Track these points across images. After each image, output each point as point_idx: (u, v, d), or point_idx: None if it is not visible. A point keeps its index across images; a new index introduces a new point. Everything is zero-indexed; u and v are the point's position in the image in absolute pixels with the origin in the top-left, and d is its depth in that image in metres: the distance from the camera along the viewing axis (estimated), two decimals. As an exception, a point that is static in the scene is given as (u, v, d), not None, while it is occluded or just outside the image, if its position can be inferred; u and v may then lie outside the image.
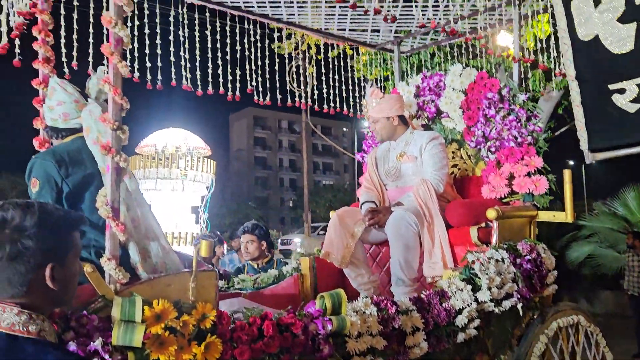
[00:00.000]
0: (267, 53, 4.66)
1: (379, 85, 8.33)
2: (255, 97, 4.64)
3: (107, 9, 2.31)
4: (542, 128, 3.80)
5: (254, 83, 4.62)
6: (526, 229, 3.80)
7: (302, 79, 5.65)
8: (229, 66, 4.37)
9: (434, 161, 3.80)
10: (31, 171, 2.48)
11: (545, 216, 3.78)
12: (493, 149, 4.00)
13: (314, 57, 6.44)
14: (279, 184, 56.36)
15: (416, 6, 4.29)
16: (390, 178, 4.02)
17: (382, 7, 4.24)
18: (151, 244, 2.43)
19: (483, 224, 3.57)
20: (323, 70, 5.21)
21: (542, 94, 9.37)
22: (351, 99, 5.41)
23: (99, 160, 2.49)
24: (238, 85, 4.53)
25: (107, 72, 2.66)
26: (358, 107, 5.58)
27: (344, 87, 5.34)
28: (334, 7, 4.46)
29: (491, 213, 3.44)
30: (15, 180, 32.80)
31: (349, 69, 5.60)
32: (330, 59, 5.29)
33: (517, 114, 3.90)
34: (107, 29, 2.37)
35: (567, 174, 3.67)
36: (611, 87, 2.24)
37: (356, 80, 5.56)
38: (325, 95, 5.20)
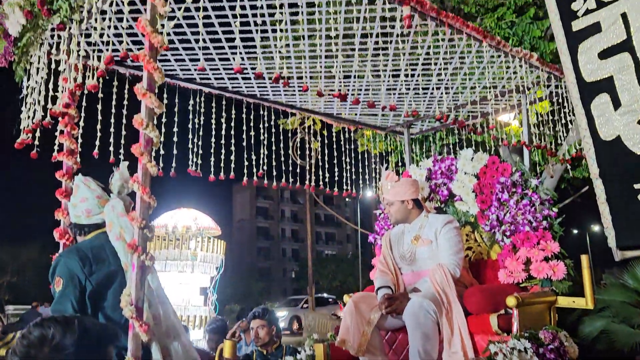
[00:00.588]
0: (273, 130, 4.77)
1: (387, 163, 8.48)
2: (258, 180, 4.69)
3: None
4: (556, 213, 3.82)
5: (264, 166, 4.70)
6: (546, 315, 3.73)
7: (306, 152, 5.74)
8: (232, 147, 4.43)
9: (449, 245, 3.77)
10: (55, 269, 2.48)
11: (564, 302, 3.72)
12: (508, 233, 3.99)
13: (319, 132, 6.58)
14: (281, 254, 55.87)
15: (424, 94, 4.45)
16: (405, 262, 3.98)
17: (390, 95, 4.42)
18: (173, 342, 2.40)
19: (502, 311, 3.50)
20: (326, 142, 5.33)
21: (548, 153, 9.51)
22: (354, 174, 5.49)
23: (121, 256, 2.49)
24: (246, 164, 4.60)
25: (120, 167, 2.73)
26: (361, 182, 5.67)
27: (347, 161, 5.42)
28: (347, 90, 4.61)
29: (511, 300, 3.39)
30: (13, 252, 32.87)
31: (353, 143, 5.68)
32: (334, 133, 5.42)
33: (530, 199, 3.93)
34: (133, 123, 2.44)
35: (584, 259, 3.65)
36: (636, 186, 2.27)
37: (359, 155, 5.66)
38: (328, 169, 5.27)
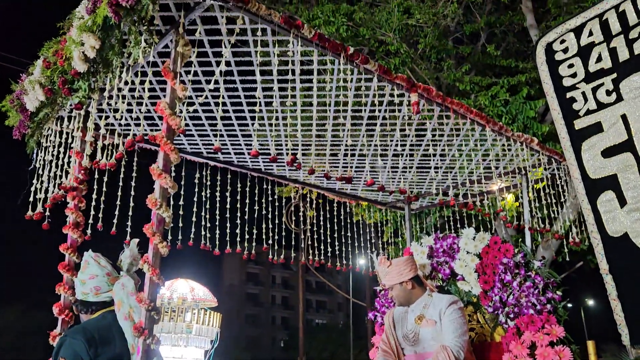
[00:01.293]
0: (269, 198, 4.79)
1: (381, 234, 8.48)
2: (255, 252, 4.69)
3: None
4: (560, 296, 3.81)
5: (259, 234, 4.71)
6: (556, 401, 3.63)
7: (301, 220, 5.75)
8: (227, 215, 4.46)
9: (454, 327, 3.71)
10: (60, 349, 2.41)
11: (572, 387, 3.63)
12: (512, 316, 3.95)
13: (314, 201, 6.62)
14: (271, 322, 54.44)
15: (427, 172, 4.55)
16: (408, 342, 3.91)
17: (393, 179, 4.52)
18: None
19: (510, 397, 3.42)
20: (321, 211, 5.36)
21: (541, 243, 9.57)
22: (348, 244, 5.49)
23: (128, 337, 2.44)
24: (245, 236, 4.59)
25: (130, 243, 2.73)
26: (356, 251, 5.66)
27: (342, 232, 5.43)
28: (351, 168, 4.69)
29: (520, 388, 3.31)
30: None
31: (348, 212, 5.70)
32: (329, 202, 5.45)
33: (534, 281, 3.92)
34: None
35: (590, 345, 3.61)
36: (648, 284, 2.30)
37: (354, 224, 5.68)
38: (321, 238, 5.27)
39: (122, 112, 2.88)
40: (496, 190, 4.82)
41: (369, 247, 6.06)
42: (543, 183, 5.59)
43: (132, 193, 3.79)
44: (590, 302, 33.28)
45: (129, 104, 2.95)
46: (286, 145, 3.73)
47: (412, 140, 3.92)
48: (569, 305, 3.69)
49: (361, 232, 5.94)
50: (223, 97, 3.42)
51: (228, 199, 4.52)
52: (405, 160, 4.37)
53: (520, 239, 4.41)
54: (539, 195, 5.06)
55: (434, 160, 4.39)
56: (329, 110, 3.46)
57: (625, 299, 2.38)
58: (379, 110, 3.48)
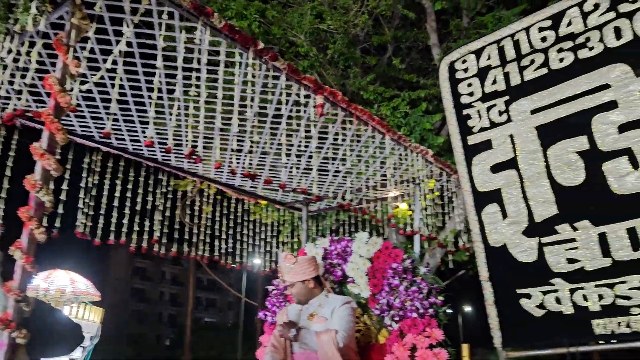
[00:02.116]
0: (163, 190, 4.61)
1: (278, 234, 8.47)
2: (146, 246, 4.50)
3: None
4: (442, 302, 4.01)
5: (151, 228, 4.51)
6: (425, 401, 3.81)
7: (196, 214, 5.61)
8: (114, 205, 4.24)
9: (341, 322, 3.81)
10: None
11: (444, 388, 3.83)
12: (397, 318, 4.09)
13: (213, 196, 6.46)
14: (157, 319, 52.44)
15: (326, 176, 4.60)
16: (296, 342, 3.93)
17: (293, 179, 4.52)
18: None
19: (387, 395, 3.53)
20: (218, 207, 5.26)
21: (439, 245, 10.09)
22: (244, 242, 5.44)
23: None
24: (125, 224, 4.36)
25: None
26: (252, 249, 5.63)
27: (239, 230, 5.36)
28: (251, 166, 4.63)
29: (397, 388, 3.43)
30: None
31: (245, 210, 5.64)
32: (227, 198, 5.36)
33: (419, 286, 4.09)
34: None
35: (465, 348, 3.83)
36: (519, 291, 2.48)
37: (250, 222, 5.63)
38: (217, 235, 5.17)
39: (3, 82, 2.61)
40: (390, 198, 5.00)
41: (265, 247, 6.02)
42: (435, 194, 5.89)
43: (8, 174, 3.47)
44: (468, 309, 35.71)
45: (12, 75, 2.68)
46: (186, 136, 3.59)
47: (314, 142, 3.94)
48: (449, 310, 3.90)
49: (257, 231, 5.89)
50: (121, 80, 3.22)
51: (118, 188, 4.27)
52: (308, 161, 4.39)
53: (410, 246, 4.61)
54: (430, 205, 5.33)
55: (334, 163, 4.46)
56: (234, 104, 3.38)
57: (500, 304, 2.56)
58: (285, 109, 3.46)
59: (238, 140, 3.91)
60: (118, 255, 50.94)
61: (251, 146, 3.94)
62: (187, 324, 18.61)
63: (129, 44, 2.81)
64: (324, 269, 4.63)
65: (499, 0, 10.85)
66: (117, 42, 2.82)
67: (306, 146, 4.10)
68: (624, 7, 2.37)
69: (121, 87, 3.31)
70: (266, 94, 3.29)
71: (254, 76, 3.03)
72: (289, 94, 3.28)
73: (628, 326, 2.24)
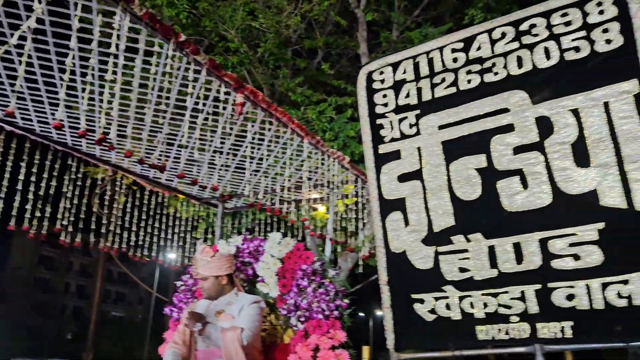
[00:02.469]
0: (73, 176, 4.42)
1: (194, 230, 8.33)
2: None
3: None
4: (347, 304, 4.11)
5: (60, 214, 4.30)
6: (325, 399, 3.89)
7: (107, 203, 5.42)
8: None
9: (249, 320, 3.83)
10: None
11: (343, 389, 3.92)
12: (303, 319, 4.15)
13: (129, 186, 6.26)
14: (61, 311, 49.69)
15: (244, 174, 4.59)
16: (202, 336, 3.89)
17: (209, 175, 4.48)
18: None
19: (288, 395, 3.58)
20: (131, 198, 5.11)
21: (348, 249, 10.29)
22: (159, 236, 5.31)
23: None
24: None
25: None
26: (166, 244, 5.50)
27: (153, 224, 5.22)
28: (167, 158, 4.54)
29: (298, 388, 3.49)
30: None
31: (162, 204, 5.51)
32: (143, 190, 5.23)
33: (327, 288, 4.18)
34: None
35: (365, 350, 3.96)
36: (414, 296, 2.61)
37: (167, 216, 5.51)
38: (130, 227, 5.02)
39: None
40: (305, 200, 5.08)
41: (179, 242, 5.91)
42: (354, 199, 6.04)
43: None
44: (379, 313, 36.73)
45: None
46: (99, 122, 3.46)
47: (232, 140, 3.93)
48: (361, 314, 3.97)
49: (172, 224, 5.77)
50: (30, 57, 3.05)
51: (22, 170, 4.03)
52: (226, 158, 4.36)
53: (321, 249, 4.70)
54: (347, 210, 5.46)
55: (252, 163, 4.46)
56: (151, 94, 3.31)
57: (395, 308, 2.68)
58: (204, 104, 3.43)
59: (153, 131, 3.82)
60: (21, 243, 47.78)
61: (166, 139, 3.86)
62: (92, 317, 17.78)
63: (40, 21, 2.67)
64: (235, 267, 4.62)
65: (428, 18, 11.32)
66: (27, 16, 2.67)
67: (222, 143, 4.07)
68: (527, 39, 2.57)
69: (30, 64, 3.14)
70: (186, 87, 3.24)
71: (172, 67, 2.98)
72: (208, 89, 3.25)
73: (506, 333, 2.42)
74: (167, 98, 3.29)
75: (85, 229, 4.97)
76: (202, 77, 3.14)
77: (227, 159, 4.34)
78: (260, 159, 4.41)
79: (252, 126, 3.77)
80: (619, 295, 2.21)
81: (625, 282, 2.22)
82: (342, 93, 10.99)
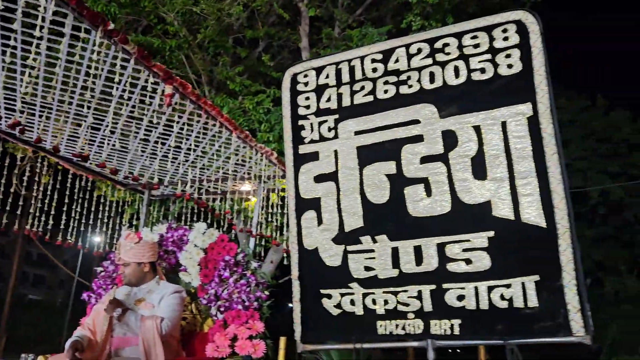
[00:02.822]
0: None
1: (121, 214, 8.16)
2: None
3: None
4: (267, 296, 4.23)
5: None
6: (241, 386, 4.01)
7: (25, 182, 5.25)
8: None
9: (169, 309, 3.85)
10: None
11: (257, 379, 4.05)
12: (222, 309, 4.23)
13: (54, 166, 6.07)
14: (-29, 293, 46.84)
15: (172, 164, 4.60)
16: (120, 323, 3.88)
17: (134, 163, 4.46)
18: None
19: (204, 383, 3.66)
20: (59, 177, 4.99)
21: (273, 243, 10.39)
22: (83, 218, 5.21)
23: None
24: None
25: None
26: (90, 227, 5.41)
27: (77, 207, 5.10)
28: (93, 142, 4.47)
29: (211, 376, 3.58)
30: None
31: (85, 186, 5.39)
32: (69, 171, 5.10)
33: (248, 279, 4.28)
34: None
35: (282, 341, 4.08)
36: (322, 291, 2.77)
37: (94, 199, 5.41)
38: (55, 208, 4.90)
39: None
40: (233, 192, 5.15)
41: (103, 227, 5.80)
42: (283, 193, 6.15)
43: None
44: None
45: None
46: (22, 102, 3.38)
47: (160, 130, 3.94)
48: (291, 304, 4.13)
49: (98, 209, 5.65)
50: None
51: None
52: (153, 148, 4.35)
53: (244, 241, 4.78)
54: (274, 204, 5.55)
55: (179, 153, 4.47)
56: (76, 79, 3.27)
57: (304, 302, 2.83)
58: (131, 92, 3.42)
59: (77, 116, 3.76)
60: None
61: (90, 125, 3.81)
62: (7, 299, 16.96)
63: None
64: (159, 255, 4.63)
65: (370, 18, 11.54)
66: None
67: (149, 132, 4.06)
68: (440, 57, 2.77)
69: None
70: (114, 74, 3.22)
71: (100, 54, 2.97)
72: (136, 78, 3.25)
73: (403, 328, 2.62)
74: (93, 84, 3.26)
75: (3, 208, 4.81)
76: (130, 67, 3.14)
77: (155, 148, 4.33)
78: (189, 150, 4.43)
79: (180, 117, 3.79)
80: (502, 298, 2.46)
81: (508, 286, 2.46)
82: (281, 86, 11.02)
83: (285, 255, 8.53)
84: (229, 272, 4.32)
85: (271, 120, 10.04)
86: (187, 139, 4.19)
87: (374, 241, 2.69)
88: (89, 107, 3.47)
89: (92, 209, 5.42)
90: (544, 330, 2.35)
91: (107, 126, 3.91)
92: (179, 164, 4.73)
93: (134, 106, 3.58)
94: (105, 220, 5.76)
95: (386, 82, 2.83)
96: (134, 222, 9.00)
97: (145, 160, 4.62)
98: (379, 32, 9.89)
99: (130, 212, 8.69)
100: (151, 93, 3.42)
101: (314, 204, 2.85)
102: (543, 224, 2.44)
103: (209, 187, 5.34)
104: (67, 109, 3.78)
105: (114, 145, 4.16)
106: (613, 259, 15.40)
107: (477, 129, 2.62)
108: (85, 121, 3.88)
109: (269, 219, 5.68)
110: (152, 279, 4.05)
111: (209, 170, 4.89)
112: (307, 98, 3.00)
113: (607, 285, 15.56)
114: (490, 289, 2.46)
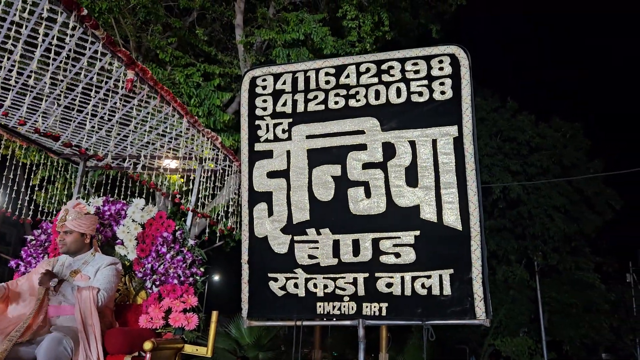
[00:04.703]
0: None
1: (31, 175, 7.91)
2: None
3: None
4: (202, 272, 4.48)
5: None
6: (172, 359, 4.27)
7: None
8: None
9: (105, 281, 3.95)
10: None
11: (190, 349, 4.33)
12: (158, 283, 4.43)
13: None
14: None
15: (112, 137, 4.68)
16: (55, 293, 3.96)
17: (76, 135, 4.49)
18: None
19: (137, 353, 3.88)
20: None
21: (198, 215, 10.48)
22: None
23: None
24: None
25: None
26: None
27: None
28: (35, 111, 4.45)
29: (147, 345, 3.81)
30: None
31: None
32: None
33: (184, 256, 4.50)
34: None
35: (214, 315, 4.38)
36: (270, 275, 3.12)
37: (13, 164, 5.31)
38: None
39: None
40: (167, 169, 5.32)
41: (11, 188, 5.63)
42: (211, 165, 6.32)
43: None
44: (217, 278, 37.02)
45: None
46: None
47: (108, 105, 4.03)
48: (216, 278, 4.38)
49: (10, 170, 5.50)
50: None
51: None
52: (101, 122, 4.43)
53: (180, 216, 4.97)
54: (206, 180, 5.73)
55: (124, 129, 4.58)
56: (36, 54, 3.31)
57: (251, 284, 3.17)
58: (88, 71, 3.51)
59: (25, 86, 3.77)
60: None
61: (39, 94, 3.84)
62: None
63: None
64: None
65: (305, 2, 11.71)
66: None
67: (103, 107, 4.15)
68: (385, 77, 3.18)
69: None
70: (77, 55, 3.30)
71: (65, 34, 3.05)
72: (93, 58, 3.34)
73: (339, 309, 3.06)
74: (53, 59, 3.32)
75: None
76: (95, 48, 3.24)
77: (100, 122, 4.41)
78: (135, 127, 4.55)
79: (136, 99, 3.92)
80: (423, 286, 2.95)
81: (429, 277, 2.96)
82: (212, 60, 10.99)
83: (207, 227, 8.70)
84: (167, 248, 4.52)
85: (201, 95, 10.05)
86: (135, 118, 4.31)
87: (318, 233, 3.07)
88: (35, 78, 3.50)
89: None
90: (455, 314, 2.87)
91: (58, 97, 3.95)
92: (123, 138, 4.82)
93: (89, 84, 3.66)
94: (15, 181, 5.57)
95: (337, 95, 3.19)
96: (49, 186, 8.69)
97: (89, 132, 4.67)
98: (314, 19, 10.10)
99: (42, 175, 8.40)
100: (108, 73, 3.53)
101: (266, 197, 3.17)
102: (459, 227, 2.95)
103: (146, 162, 5.43)
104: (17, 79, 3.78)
105: (62, 114, 4.19)
106: (505, 249, 16.98)
107: (412, 143, 3.07)
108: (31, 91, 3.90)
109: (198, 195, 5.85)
110: (88, 251, 4.15)
111: (151, 147, 5.02)
112: (265, 101, 3.29)
113: (499, 273, 17.15)
114: (414, 278, 2.95)
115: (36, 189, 8.70)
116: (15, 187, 5.53)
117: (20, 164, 6.96)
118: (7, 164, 5.36)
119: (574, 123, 18.76)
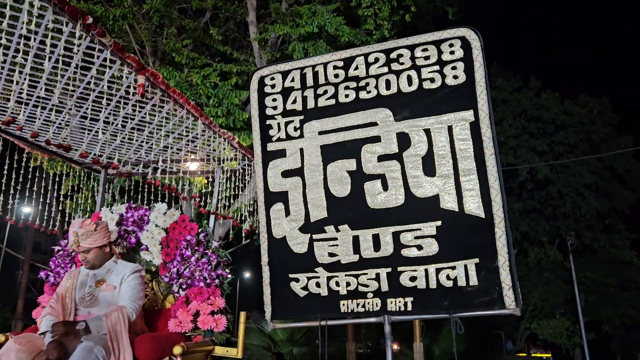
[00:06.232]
0: None
1: (59, 186, 8.04)
2: None
3: None
4: (228, 274, 4.49)
5: None
6: (204, 362, 4.29)
7: None
8: None
9: (132, 292, 3.97)
10: None
11: (220, 351, 4.35)
12: (184, 286, 4.45)
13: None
14: None
15: (132, 144, 4.70)
16: (84, 304, 3.98)
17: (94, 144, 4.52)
18: None
19: (167, 359, 3.90)
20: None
21: (218, 217, 10.54)
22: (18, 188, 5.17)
23: None
24: None
25: None
26: (24, 198, 5.38)
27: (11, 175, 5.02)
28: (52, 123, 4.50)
29: (177, 349, 3.84)
30: None
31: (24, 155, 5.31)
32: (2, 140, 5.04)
33: (209, 258, 4.51)
34: None
35: (242, 316, 4.38)
36: (291, 275, 3.08)
37: (29, 169, 5.36)
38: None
39: None
40: (188, 172, 5.33)
41: (41, 197, 5.71)
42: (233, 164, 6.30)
43: None
44: (247, 275, 37.39)
45: None
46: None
47: (126, 113, 4.04)
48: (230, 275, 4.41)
49: (36, 180, 5.57)
50: None
51: None
52: (116, 130, 4.44)
53: (206, 222, 4.98)
54: (227, 180, 5.73)
55: (142, 134, 4.59)
56: (46, 66, 3.32)
57: (274, 285, 3.14)
58: (99, 80, 3.52)
59: (46, 99, 3.80)
60: None
61: (57, 106, 3.87)
62: None
63: None
64: (118, 234, 4.75)
65: (318, -6, 11.58)
66: None
67: (116, 115, 4.16)
68: (395, 66, 3.09)
69: None
70: (88, 63, 3.30)
71: (73, 44, 3.05)
72: (103, 65, 3.35)
73: (363, 306, 3.00)
74: (59, 68, 3.33)
75: None
76: (104, 56, 3.24)
77: (116, 131, 4.43)
78: (151, 132, 4.56)
79: (148, 104, 3.92)
80: (448, 278, 2.87)
81: (453, 268, 2.88)
82: (228, 59, 11.00)
83: (232, 227, 8.71)
84: (191, 251, 4.54)
85: (219, 94, 10.06)
86: (151, 123, 4.32)
87: (337, 230, 3.02)
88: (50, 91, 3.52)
89: (25, 179, 5.26)
90: (483, 305, 2.79)
91: (69, 109, 3.98)
92: (141, 145, 4.84)
93: (101, 92, 3.67)
94: (43, 191, 5.64)
95: (347, 87, 3.12)
96: (77, 195, 8.82)
97: (105, 141, 4.70)
98: (327, 10, 9.98)
99: (69, 184, 8.51)
100: (118, 80, 3.53)
101: (282, 197, 3.13)
102: (482, 215, 2.86)
103: (165, 167, 5.45)
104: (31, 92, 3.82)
105: (67, 122, 4.21)
106: (536, 231, 16.66)
107: (427, 131, 2.98)
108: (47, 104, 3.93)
109: (226, 195, 5.86)
110: (111, 259, 4.16)
111: (169, 151, 5.04)
112: (274, 99, 3.25)
113: (531, 255, 16.84)
114: (438, 270, 2.87)
115: (61, 198, 8.85)
116: (41, 199, 5.61)
117: (48, 175, 7.07)
118: (37, 174, 5.42)
119: (601, 99, 18.24)
